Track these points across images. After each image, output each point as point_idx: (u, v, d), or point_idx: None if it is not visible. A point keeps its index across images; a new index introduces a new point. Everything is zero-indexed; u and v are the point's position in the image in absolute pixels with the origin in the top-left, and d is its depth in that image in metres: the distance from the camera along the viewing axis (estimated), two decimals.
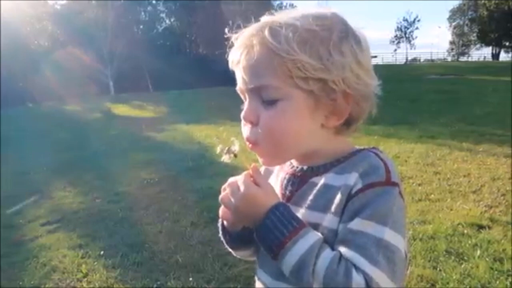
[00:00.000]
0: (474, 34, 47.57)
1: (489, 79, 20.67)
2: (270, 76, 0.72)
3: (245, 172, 0.78)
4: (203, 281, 2.72)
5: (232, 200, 0.75)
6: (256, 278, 0.89)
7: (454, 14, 50.59)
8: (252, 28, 0.75)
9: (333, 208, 0.72)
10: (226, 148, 0.84)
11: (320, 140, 0.78)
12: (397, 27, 55.29)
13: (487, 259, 2.75)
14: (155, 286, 2.74)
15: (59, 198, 5.39)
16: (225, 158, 0.85)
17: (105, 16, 28.05)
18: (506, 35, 42.09)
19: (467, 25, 49.37)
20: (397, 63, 47.37)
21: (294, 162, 0.84)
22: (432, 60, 51.81)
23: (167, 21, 42.53)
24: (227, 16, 30.95)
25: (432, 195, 4.21)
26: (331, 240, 0.71)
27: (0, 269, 3.21)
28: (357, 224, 0.69)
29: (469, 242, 3.03)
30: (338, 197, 0.72)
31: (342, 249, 0.69)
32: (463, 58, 50.57)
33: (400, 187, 0.73)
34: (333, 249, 0.70)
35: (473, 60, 48.75)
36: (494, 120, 9.25)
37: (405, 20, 54.48)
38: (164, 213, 4.23)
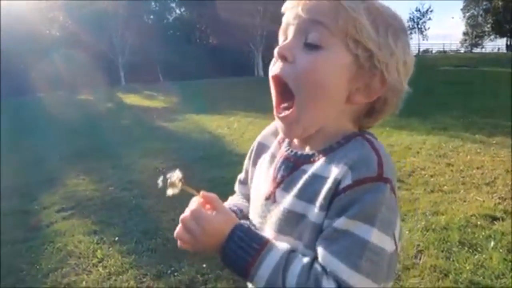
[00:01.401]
0: (489, 25, 46.63)
1: (503, 71, 20.31)
2: (328, 19, 0.70)
3: (191, 210, 0.75)
4: (216, 267, 2.75)
5: (190, 234, 0.73)
6: None
7: (468, 4, 49.57)
8: None
9: (318, 200, 0.68)
10: (168, 180, 0.80)
11: (336, 112, 0.74)
12: (409, 17, 54.41)
13: (500, 250, 2.75)
14: (169, 271, 2.78)
15: (73, 185, 5.47)
16: (170, 192, 0.82)
17: (116, 6, 28.08)
18: None
19: (481, 15, 48.38)
20: None
21: (292, 145, 0.81)
22: (445, 52, 51.05)
23: (177, 11, 42.46)
24: (237, 7, 30.78)
25: (445, 187, 4.19)
26: (315, 234, 0.68)
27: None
28: (342, 223, 0.64)
29: (483, 233, 3.02)
30: (324, 189, 0.67)
31: (320, 250, 0.66)
32: (476, 50, 49.73)
33: (393, 183, 0.67)
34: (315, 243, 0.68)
35: (487, 51, 47.92)
36: (508, 112, 9.11)
37: (418, 10, 53.62)
38: (176, 202, 4.24)
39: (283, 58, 0.73)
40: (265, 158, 0.86)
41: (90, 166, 6.45)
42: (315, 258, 0.67)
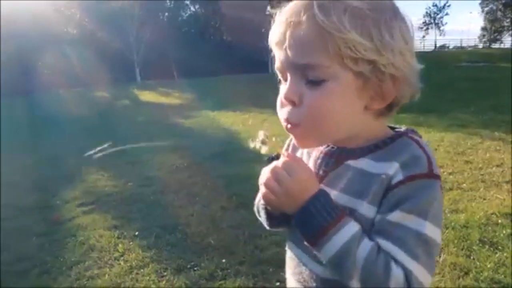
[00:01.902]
0: (508, 20, 45.57)
1: None
2: (319, 54, 0.68)
3: (283, 159, 0.74)
4: (235, 262, 2.79)
5: (279, 184, 0.72)
6: (288, 252, 0.89)
7: None
8: (298, 4, 0.71)
9: (369, 196, 0.70)
10: (259, 141, 0.81)
11: (360, 122, 0.75)
12: (426, 12, 53.51)
13: None
14: (189, 266, 2.82)
15: (92, 181, 5.58)
16: (264, 150, 0.82)
17: (131, 4, 28.33)
18: None
19: (500, 10, 47.26)
20: (425, 50, 46.05)
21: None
22: (462, 47, 50.08)
23: (192, 8, 42.62)
24: (251, 3, 30.74)
25: (464, 184, 4.14)
26: (365, 228, 0.70)
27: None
28: (397, 216, 0.68)
29: (504, 232, 2.99)
30: (376, 185, 0.70)
31: (381, 241, 0.68)
32: (495, 45, 48.64)
33: (441, 179, 0.71)
34: (369, 238, 0.69)
35: (506, 47, 46.83)
36: None
37: (435, 5, 52.69)
38: (194, 197, 4.33)
39: (290, 102, 0.73)
40: (302, 155, 0.87)
41: (109, 162, 6.56)
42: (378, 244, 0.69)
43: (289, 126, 0.75)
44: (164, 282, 2.64)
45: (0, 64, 19.94)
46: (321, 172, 0.79)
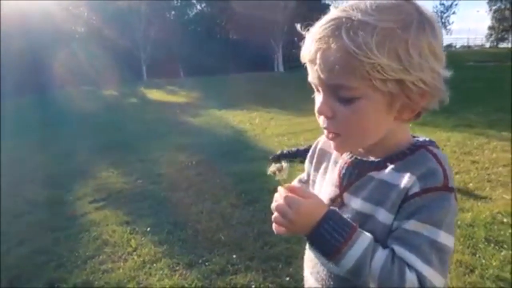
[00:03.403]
0: None
1: None
2: (348, 76, 0.72)
3: (283, 192, 0.80)
4: (246, 258, 2.86)
5: (286, 218, 0.77)
6: (306, 251, 0.95)
7: None
8: (327, 26, 0.74)
9: (388, 204, 0.76)
10: (277, 168, 0.86)
11: (391, 129, 0.80)
12: (433, 11, 53.20)
13: None
14: (200, 261, 2.90)
15: (104, 178, 5.68)
16: (278, 177, 0.85)
17: (138, 2, 28.49)
18: None
19: (508, 9, 46.86)
20: None
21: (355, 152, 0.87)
22: (469, 46, 49.75)
23: (198, 6, 42.71)
24: (258, 2, 30.73)
25: (470, 184, 4.18)
26: (383, 233, 0.76)
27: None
28: (413, 225, 0.73)
29: (509, 231, 3.03)
30: (394, 195, 0.75)
31: (396, 248, 0.73)
32: (502, 44, 48.25)
33: (455, 191, 0.76)
34: (384, 244, 0.75)
35: None
36: None
37: (442, 4, 52.37)
38: (203, 195, 4.41)
39: (325, 116, 0.79)
40: (328, 164, 0.93)
41: (119, 159, 6.67)
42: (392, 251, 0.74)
43: (330, 135, 0.81)
44: (177, 276, 2.73)
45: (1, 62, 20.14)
46: (345, 182, 0.85)
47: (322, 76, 0.74)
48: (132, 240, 3.35)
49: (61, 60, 25.40)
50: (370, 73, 0.70)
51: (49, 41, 24.85)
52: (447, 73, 0.77)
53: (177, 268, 2.84)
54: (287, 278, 2.58)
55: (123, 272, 2.85)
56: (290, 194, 0.79)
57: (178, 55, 30.49)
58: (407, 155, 0.79)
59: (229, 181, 4.85)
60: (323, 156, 0.95)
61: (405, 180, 0.75)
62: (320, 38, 0.73)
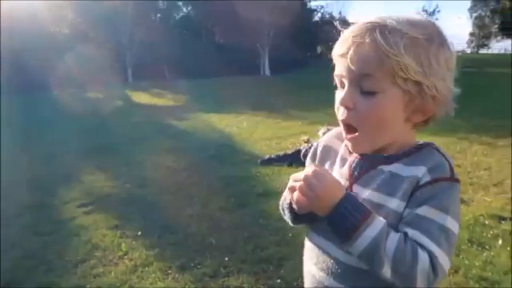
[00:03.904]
0: (496, 26, 46.44)
1: (509, 73, 20.30)
2: (375, 69, 0.81)
3: (313, 169, 0.84)
4: (237, 261, 2.90)
5: (311, 190, 0.82)
6: (308, 243, 0.99)
7: (476, 4, 49.34)
8: (363, 26, 0.84)
9: (400, 193, 0.83)
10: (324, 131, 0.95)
11: (400, 131, 0.88)
12: None
13: (508, 248, 2.87)
14: (192, 264, 2.92)
15: (91, 181, 5.65)
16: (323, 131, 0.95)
17: (124, 4, 28.30)
18: None
19: (488, 16, 48.16)
20: None
21: None
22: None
23: (184, 9, 42.64)
24: (244, 5, 30.84)
25: None
26: (394, 220, 0.82)
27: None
28: (424, 210, 0.80)
29: (491, 232, 3.15)
30: (405, 185, 0.83)
31: (409, 230, 0.80)
32: (483, 50, 49.51)
33: (459, 182, 0.85)
34: (397, 229, 0.81)
35: (494, 52, 47.70)
36: None
37: (425, 10, 53.41)
38: (192, 198, 4.43)
39: (346, 107, 0.87)
40: (335, 160, 0.98)
41: (105, 163, 6.62)
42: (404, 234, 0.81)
43: (347, 132, 0.89)
44: (169, 279, 2.75)
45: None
46: (355, 174, 0.90)
47: (352, 66, 0.83)
48: (123, 244, 3.35)
49: (45, 62, 25.01)
50: (395, 69, 0.80)
51: (32, 42, 24.47)
52: (457, 90, 0.87)
53: (170, 271, 2.86)
54: (279, 280, 2.63)
55: (115, 276, 2.86)
56: (319, 169, 0.85)
57: (163, 58, 30.31)
58: (414, 152, 0.88)
59: (217, 185, 4.88)
60: (328, 153, 1.00)
61: (416, 171, 0.83)
62: (356, 35, 0.83)
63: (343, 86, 0.88)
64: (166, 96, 18.29)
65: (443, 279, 0.87)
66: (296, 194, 0.84)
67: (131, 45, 30.28)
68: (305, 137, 6.29)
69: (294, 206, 0.89)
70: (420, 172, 0.83)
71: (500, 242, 2.97)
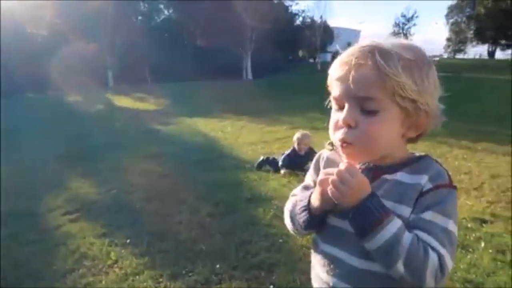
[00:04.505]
0: (471, 32, 47.81)
1: (486, 78, 20.94)
2: (376, 90, 0.88)
3: (346, 165, 0.91)
4: (229, 268, 2.92)
5: (344, 184, 0.89)
6: (318, 251, 1.04)
7: (452, 11, 50.74)
8: (361, 49, 0.91)
9: (406, 200, 0.92)
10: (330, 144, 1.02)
11: (396, 145, 0.96)
12: (395, 23, 55.45)
13: (490, 251, 2.98)
14: (183, 272, 2.93)
15: (75, 188, 5.57)
16: (329, 148, 1.03)
17: (105, 6, 27.96)
18: (502, 33, 42.41)
19: (464, 22, 49.54)
20: None
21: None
22: (428, 57, 52.00)
23: (166, 12, 42.41)
24: (227, 9, 30.90)
25: None
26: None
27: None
28: (429, 215, 0.89)
29: (473, 235, 3.26)
30: (410, 192, 0.92)
31: (418, 232, 0.88)
32: (459, 55, 50.89)
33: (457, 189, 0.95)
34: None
35: (470, 57, 49.10)
36: (492, 119, 9.54)
37: (403, 16, 54.64)
38: (181, 205, 4.42)
39: (347, 125, 0.92)
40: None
41: (89, 169, 6.54)
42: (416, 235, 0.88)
43: (344, 145, 0.94)
44: (161, 287, 2.75)
45: None
46: None
47: (353, 88, 0.90)
48: (112, 253, 3.32)
49: (21, 64, 24.47)
50: (395, 89, 0.88)
51: (8, 44, 23.90)
52: (442, 106, 0.96)
53: (161, 279, 2.86)
54: (271, 286, 2.66)
55: (105, 285, 2.83)
56: (353, 166, 0.92)
57: (145, 61, 30.12)
58: (413, 162, 0.96)
59: (205, 191, 4.88)
60: (330, 165, 1.04)
61: (419, 180, 0.92)
62: (357, 57, 0.90)
63: (341, 107, 0.94)
64: (148, 100, 18.14)
65: (446, 280, 0.93)
66: (329, 187, 0.91)
67: (112, 48, 29.97)
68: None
69: (315, 203, 0.97)
70: (423, 180, 0.92)
71: (482, 244, 3.08)
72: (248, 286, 2.70)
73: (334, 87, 0.95)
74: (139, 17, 38.49)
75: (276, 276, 2.77)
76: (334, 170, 0.92)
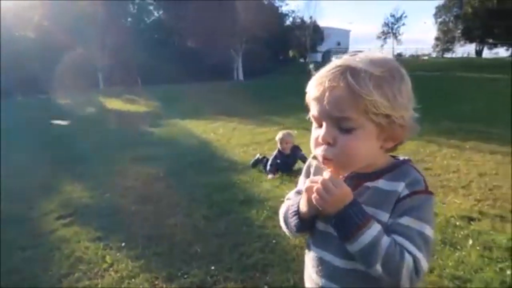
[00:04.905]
0: (459, 31, 48.44)
1: (473, 76, 21.23)
2: (351, 110, 0.94)
3: (329, 175, 0.98)
4: (224, 269, 2.97)
5: (327, 192, 0.95)
6: (310, 254, 1.13)
7: (440, 10, 51.36)
8: (334, 71, 0.95)
9: (385, 206, 0.98)
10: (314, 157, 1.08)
11: (375, 156, 1.02)
12: (384, 23, 55.99)
13: (478, 248, 3.07)
14: (179, 274, 2.97)
15: (68, 192, 5.56)
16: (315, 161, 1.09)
17: (94, 7, 27.80)
18: (489, 32, 43.04)
19: (452, 21, 50.18)
20: None
21: None
22: (417, 56, 52.70)
23: (155, 13, 42.25)
24: (217, 10, 30.88)
25: None
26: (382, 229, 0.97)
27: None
28: (406, 220, 0.95)
29: (462, 233, 3.35)
30: (389, 198, 0.98)
31: (395, 237, 0.94)
32: (448, 54, 51.53)
33: (434, 194, 1.00)
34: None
35: (458, 56, 49.75)
36: (480, 118, 9.70)
37: (392, 16, 55.18)
38: (175, 208, 4.46)
39: (327, 143, 0.98)
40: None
41: (82, 172, 6.54)
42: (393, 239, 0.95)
43: (325, 161, 1.00)
44: None
45: None
46: None
47: (329, 109, 0.95)
48: (107, 256, 3.35)
49: (9, 67, 24.21)
50: (368, 107, 0.93)
51: None
52: (416, 115, 1.01)
53: (157, 282, 2.89)
54: (265, 286, 2.71)
55: None
56: (336, 177, 0.98)
57: (135, 63, 29.98)
58: (394, 169, 1.02)
59: (199, 193, 4.92)
60: (319, 172, 1.10)
61: (397, 187, 0.98)
62: (330, 80, 0.95)
63: (319, 123, 1.00)
64: (139, 102, 18.08)
65: (421, 280, 0.99)
66: (314, 194, 0.98)
67: (102, 50, 29.80)
68: None
69: (303, 209, 1.04)
70: (400, 187, 0.98)
71: (470, 242, 3.17)
72: (243, 287, 2.75)
73: (312, 107, 1.01)
74: (129, 19, 38.31)
75: (270, 277, 2.82)
76: (319, 178, 0.98)
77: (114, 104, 17.22)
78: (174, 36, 40.48)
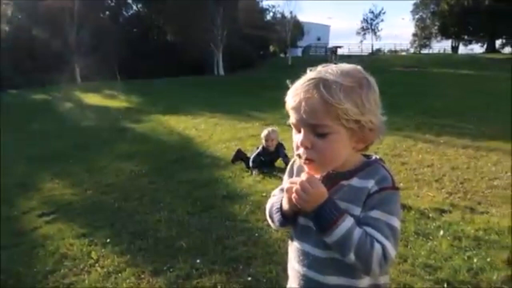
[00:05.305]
0: (436, 27, 49.51)
1: (449, 72, 21.83)
2: (325, 118, 1.06)
3: (306, 176, 1.10)
4: (209, 262, 3.06)
5: (304, 192, 1.07)
6: (292, 245, 1.24)
7: (417, 7, 52.33)
8: (308, 83, 1.07)
9: (357, 201, 1.11)
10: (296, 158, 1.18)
11: (349, 156, 1.15)
12: (363, 19, 56.68)
13: (448, 238, 3.25)
14: (164, 268, 3.04)
15: (48, 189, 5.55)
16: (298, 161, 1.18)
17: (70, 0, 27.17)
18: (465, 29, 44.19)
19: (429, 18, 51.23)
20: (363, 53, 48.77)
21: None
22: (396, 51, 53.64)
23: (134, 7, 41.57)
24: (196, 4, 30.64)
25: (401, 184, 4.69)
26: (355, 222, 1.10)
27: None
28: (376, 213, 1.07)
29: (434, 224, 3.53)
30: (360, 194, 1.10)
31: (366, 228, 1.07)
32: (425, 50, 52.65)
33: (399, 190, 1.14)
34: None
35: (434, 52, 50.89)
36: (453, 113, 10.05)
37: (371, 12, 55.90)
38: (158, 204, 4.51)
39: (305, 147, 1.10)
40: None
41: (62, 169, 6.51)
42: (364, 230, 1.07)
43: (306, 162, 1.12)
44: (144, 284, 2.86)
45: None
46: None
47: (305, 118, 1.07)
48: (93, 252, 3.40)
49: None
50: (339, 115, 1.04)
51: None
52: (384, 118, 1.14)
53: (143, 276, 2.97)
54: (249, 278, 2.82)
55: (88, 284, 2.92)
56: (313, 177, 1.10)
57: (113, 57, 29.43)
58: (365, 167, 1.15)
59: (182, 189, 4.99)
60: (301, 172, 1.22)
61: (368, 184, 1.10)
62: (305, 91, 1.07)
63: (298, 129, 1.12)
64: (119, 98, 17.85)
65: (391, 266, 1.12)
66: (293, 194, 1.10)
67: (79, 44, 29.15)
68: None
69: (285, 206, 1.17)
70: (370, 184, 1.10)
71: (441, 232, 3.35)
72: (228, 279, 2.85)
73: (291, 115, 1.13)
74: (107, 12, 37.56)
75: (253, 268, 2.93)
76: (298, 179, 1.11)
77: (92, 99, 16.97)
78: (153, 31, 39.99)
